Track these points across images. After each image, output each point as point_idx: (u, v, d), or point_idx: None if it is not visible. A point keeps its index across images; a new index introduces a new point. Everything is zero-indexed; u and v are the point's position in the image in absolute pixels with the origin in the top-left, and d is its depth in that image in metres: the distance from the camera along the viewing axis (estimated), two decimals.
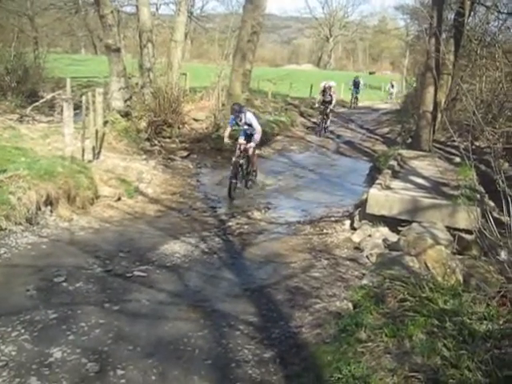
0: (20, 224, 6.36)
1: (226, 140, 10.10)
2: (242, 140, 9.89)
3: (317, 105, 18.70)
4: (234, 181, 9.65)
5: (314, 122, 19.93)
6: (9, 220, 6.21)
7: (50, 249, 6.09)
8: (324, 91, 17.95)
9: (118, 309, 4.74)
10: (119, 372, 3.80)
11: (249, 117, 9.73)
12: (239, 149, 9.76)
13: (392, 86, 34.72)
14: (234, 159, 9.72)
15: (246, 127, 9.82)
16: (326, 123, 18.61)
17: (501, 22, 14.13)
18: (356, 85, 27.85)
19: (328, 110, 18.35)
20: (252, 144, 9.82)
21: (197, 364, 4.01)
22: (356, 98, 28.42)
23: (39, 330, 4.20)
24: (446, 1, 14.53)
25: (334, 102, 18.26)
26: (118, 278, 5.48)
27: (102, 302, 4.84)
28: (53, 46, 24.35)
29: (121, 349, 4.08)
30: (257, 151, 14.95)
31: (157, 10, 32.16)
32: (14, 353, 3.85)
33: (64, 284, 5.14)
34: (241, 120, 9.70)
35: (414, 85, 23.05)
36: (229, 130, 10.10)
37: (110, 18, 13.71)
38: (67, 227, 6.96)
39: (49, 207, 7.08)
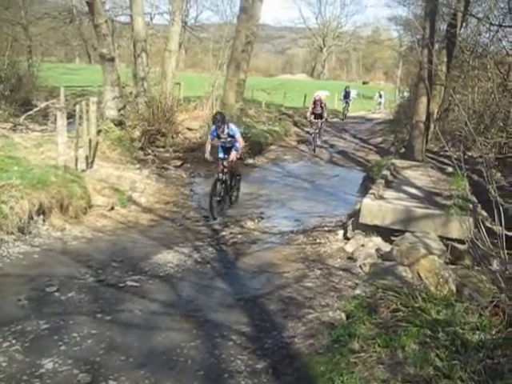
0: (12, 233, 6.33)
1: (207, 156, 9.24)
2: (221, 155, 9.28)
3: (308, 117, 17.54)
4: (216, 198, 8.93)
5: (308, 132, 19.97)
6: (0, 229, 6.18)
7: (42, 258, 6.05)
8: (314, 103, 17.02)
9: (110, 319, 4.72)
10: (111, 383, 3.77)
11: (232, 127, 9.15)
12: (222, 165, 9.14)
13: (380, 96, 35.01)
14: (216, 176, 9.11)
15: (227, 139, 9.12)
16: (317, 139, 17.72)
17: (492, 33, 14.24)
18: (347, 95, 27.45)
19: (320, 124, 17.56)
20: (234, 153, 9.11)
21: (189, 375, 3.99)
22: (346, 108, 27.94)
23: (30, 340, 4.17)
24: (438, 12, 14.67)
25: (325, 114, 17.24)
26: (111, 287, 5.46)
27: (94, 312, 4.81)
28: (47, 55, 24.35)
29: (113, 359, 4.05)
30: (250, 161, 15.07)
31: (151, 19, 32.17)
32: (4, 364, 3.81)
33: (56, 294, 5.11)
34: (223, 131, 8.98)
35: (405, 93, 23.35)
36: (209, 144, 9.33)
37: (105, 28, 13.74)
38: (60, 237, 6.93)
39: (41, 216, 7.05)
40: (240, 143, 9.28)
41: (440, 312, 4.52)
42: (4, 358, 3.87)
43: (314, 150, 17.12)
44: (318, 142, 17.82)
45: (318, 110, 16.83)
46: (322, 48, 73.05)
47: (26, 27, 21.80)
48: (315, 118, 17.05)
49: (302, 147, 18.14)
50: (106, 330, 4.47)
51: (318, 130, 17.53)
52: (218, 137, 9.11)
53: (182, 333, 4.62)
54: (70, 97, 16.57)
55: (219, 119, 8.92)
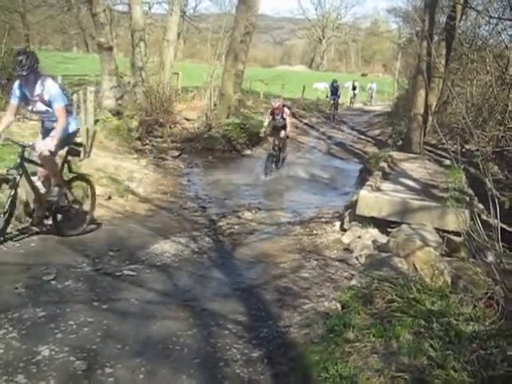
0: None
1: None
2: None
3: (263, 131, 12.50)
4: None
5: (307, 124, 19.96)
6: None
7: (39, 247, 6.06)
8: (273, 113, 12.02)
9: (106, 307, 4.73)
10: (107, 370, 3.79)
11: None
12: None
13: (370, 88, 34.52)
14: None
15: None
16: (275, 164, 12.27)
17: (492, 26, 14.23)
18: (334, 90, 24.24)
19: (278, 142, 12.19)
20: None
21: (185, 363, 4.02)
22: (335, 106, 24.46)
23: (27, 327, 4.18)
24: (437, 4, 14.64)
25: (288, 128, 12.09)
26: (108, 276, 5.47)
27: (90, 301, 4.82)
28: (44, 44, 24.30)
29: (109, 347, 4.07)
30: (248, 151, 15.08)
31: (149, 8, 32.20)
32: (1, 351, 3.82)
33: (53, 282, 5.12)
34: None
35: (395, 87, 23.44)
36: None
37: (103, 17, 13.70)
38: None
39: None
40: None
41: (435, 303, 4.55)
42: (1, 345, 3.88)
43: (266, 174, 11.84)
44: (278, 168, 12.39)
45: (279, 122, 12.02)
46: (321, 39, 72.83)
47: (24, 15, 21.74)
48: (273, 134, 12.24)
49: (300, 138, 18.14)
50: (103, 319, 4.49)
51: (276, 151, 12.26)
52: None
53: (179, 322, 4.64)
54: (68, 86, 16.47)
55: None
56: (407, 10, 25.51)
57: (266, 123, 12.31)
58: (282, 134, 11.99)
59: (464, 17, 15.66)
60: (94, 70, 16.82)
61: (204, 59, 20.59)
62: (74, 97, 9.90)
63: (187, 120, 15.60)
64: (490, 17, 12.73)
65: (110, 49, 14.11)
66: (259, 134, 13.27)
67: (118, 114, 13.29)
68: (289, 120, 12.19)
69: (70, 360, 3.83)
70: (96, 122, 11.35)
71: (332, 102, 24.13)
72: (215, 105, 16.87)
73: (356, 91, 31.06)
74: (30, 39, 20.59)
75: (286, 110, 12.14)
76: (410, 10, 22.81)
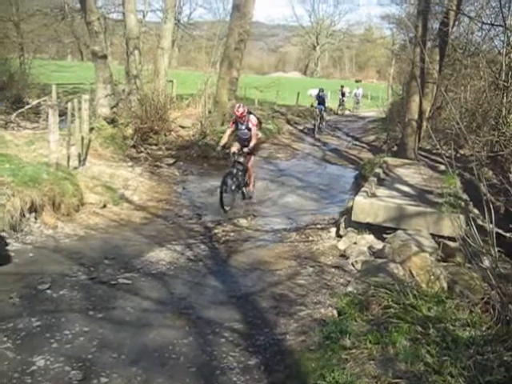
0: (3, 231, 6.31)
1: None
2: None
3: (219, 147, 9.69)
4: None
5: (301, 130, 19.99)
6: None
7: (34, 256, 6.04)
8: (236, 122, 9.56)
9: (102, 316, 4.71)
10: (103, 380, 3.77)
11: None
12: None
13: (355, 94, 33.28)
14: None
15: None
16: (237, 188, 9.57)
17: (484, 32, 14.35)
18: (321, 100, 20.99)
19: (239, 166, 9.54)
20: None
21: (181, 371, 4.00)
22: (321, 117, 21.36)
23: (22, 337, 4.16)
24: (430, 11, 14.71)
25: (252, 141, 9.34)
26: (103, 285, 5.45)
27: (86, 310, 4.81)
28: (39, 52, 24.21)
29: (105, 356, 4.06)
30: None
31: (144, 17, 32.16)
32: None
33: (48, 291, 5.10)
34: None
35: (389, 93, 23.36)
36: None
37: (97, 25, 13.71)
38: (52, 234, 6.91)
39: (33, 214, 7.02)
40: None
41: (431, 309, 4.56)
42: None
43: (225, 210, 9.00)
44: (239, 197, 9.84)
45: (244, 134, 9.54)
46: (315, 46, 73.15)
47: (18, 24, 21.64)
48: (237, 152, 9.51)
49: (296, 145, 18.17)
50: (98, 328, 4.47)
51: (238, 170, 9.52)
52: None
53: (175, 330, 4.63)
54: (62, 94, 16.56)
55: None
56: (400, 17, 25.60)
57: (225, 135, 9.63)
58: (245, 150, 9.38)
59: (457, 23, 15.75)
60: (88, 79, 16.81)
61: (198, 67, 20.67)
62: (69, 105, 9.89)
63: (182, 127, 15.59)
64: (483, 23, 12.84)
65: (105, 57, 14.13)
66: (216, 150, 10.61)
67: (112, 121, 13.28)
68: (254, 131, 9.44)
69: (65, 370, 3.82)
70: (91, 130, 11.34)
71: (318, 112, 21.04)
72: (210, 112, 16.87)
73: (345, 98, 29.87)
74: (25, 48, 20.50)
75: (252, 117, 9.52)
76: (403, 17, 22.91)
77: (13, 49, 19.25)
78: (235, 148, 9.60)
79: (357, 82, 56.86)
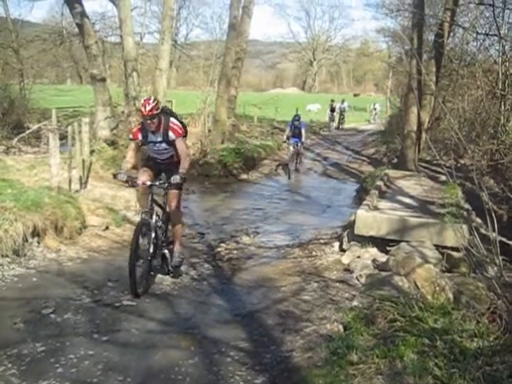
0: (7, 256, 6.30)
1: None
2: None
3: (122, 174, 5.93)
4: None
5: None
6: None
7: (38, 280, 6.02)
8: (143, 128, 6.05)
9: (107, 339, 4.69)
10: None
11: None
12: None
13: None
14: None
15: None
16: (154, 251, 5.94)
17: (479, 42, 14.44)
18: (297, 130, 15.88)
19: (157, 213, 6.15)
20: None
21: None
22: (297, 155, 16.27)
23: (27, 363, 4.13)
24: (425, 23, 14.84)
25: (184, 165, 5.91)
26: (107, 307, 5.43)
27: (90, 333, 4.78)
28: (38, 77, 24.43)
29: (110, 380, 4.02)
30: (244, 176, 15.07)
31: (141, 39, 32.45)
32: None
33: (52, 316, 5.08)
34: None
35: (388, 106, 23.39)
36: None
37: (95, 49, 13.86)
38: (55, 258, 6.90)
39: (36, 238, 7.02)
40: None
41: (437, 320, 4.52)
42: (0, 383, 3.84)
43: (137, 294, 5.72)
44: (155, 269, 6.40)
45: (161, 151, 6.18)
46: (312, 62, 73.73)
47: (17, 50, 21.87)
48: (147, 175, 6.10)
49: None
50: (103, 351, 4.44)
51: (160, 219, 6.26)
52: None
53: (180, 350, 4.59)
54: (62, 118, 16.66)
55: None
56: (396, 30, 25.76)
57: (129, 154, 6.20)
58: (173, 180, 5.73)
59: (452, 34, 15.85)
60: (88, 102, 16.94)
61: (197, 86, 20.75)
62: (69, 128, 9.94)
63: None
64: (478, 33, 12.93)
65: (103, 80, 14.24)
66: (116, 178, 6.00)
67: (113, 143, 13.35)
68: (181, 145, 5.98)
69: None
70: (91, 152, 11.39)
71: (292, 148, 15.72)
72: (210, 131, 16.96)
73: (335, 113, 29.42)
74: (24, 74, 20.69)
75: (173, 122, 6.01)
76: (398, 30, 23.06)
77: (13, 75, 19.44)
78: (145, 177, 6.01)
79: (355, 95, 57.26)
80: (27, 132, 12.90)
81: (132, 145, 6.20)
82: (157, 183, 5.97)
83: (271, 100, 24.67)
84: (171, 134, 5.98)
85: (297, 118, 16.05)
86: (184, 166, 5.94)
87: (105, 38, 25.16)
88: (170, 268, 6.34)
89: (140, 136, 6.08)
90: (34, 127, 13.16)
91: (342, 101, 31.73)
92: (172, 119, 6.07)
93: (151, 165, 6.31)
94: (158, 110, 5.82)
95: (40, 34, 25.91)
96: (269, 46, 78.54)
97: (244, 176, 14.99)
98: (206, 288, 6.36)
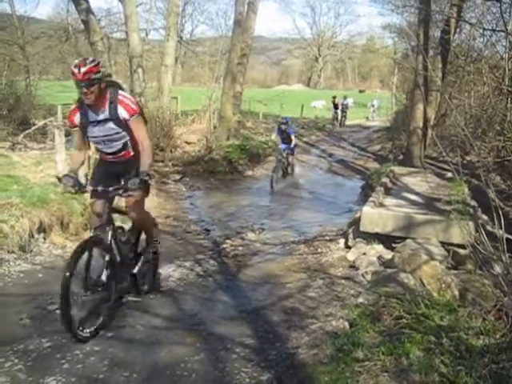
0: (13, 252, 6.32)
1: None
2: None
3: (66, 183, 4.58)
4: None
5: (307, 142, 19.89)
6: (1, 248, 6.18)
7: (44, 276, 6.04)
8: (82, 108, 4.68)
9: (112, 335, 4.69)
10: None
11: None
12: None
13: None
14: None
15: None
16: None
17: (486, 38, 14.37)
18: (285, 135, 13.77)
19: (108, 234, 4.76)
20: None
21: None
22: (286, 165, 13.99)
23: (33, 359, 4.14)
24: (431, 19, 14.77)
25: (144, 161, 4.58)
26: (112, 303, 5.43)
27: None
28: (44, 74, 24.50)
29: (116, 376, 4.03)
30: (249, 172, 15.06)
31: (146, 35, 32.51)
32: None
33: (58, 312, 5.08)
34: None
35: (393, 102, 23.22)
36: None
37: (100, 45, 13.89)
38: (61, 254, 6.90)
39: (42, 234, 7.04)
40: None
41: (443, 318, 4.51)
42: (6, 378, 3.85)
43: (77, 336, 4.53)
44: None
45: (109, 139, 4.69)
46: (317, 58, 73.53)
47: (23, 47, 21.96)
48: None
49: (301, 157, 18.17)
50: (109, 347, 4.45)
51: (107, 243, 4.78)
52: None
53: (186, 347, 4.59)
54: (68, 114, 16.66)
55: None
56: (402, 26, 25.64)
57: (74, 154, 5.14)
58: (131, 184, 4.45)
59: (458, 30, 15.80)
60: None
61: (202, 82, 20.76)
62: None
63: (188, 143, 15.67)
64: (484, 29, 12.86)
65: (109, 76, 14.23)
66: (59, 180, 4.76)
67: None
68: (136, 126, 4.66)
69: None
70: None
71: (279, 155, 13.76)
72: (215, 127, 16.96)
73: (338, 110, 28.03)
74: (30, 70, 20.76)
75: (123, 95, 4.64)
76: (404, 26, 22.97)
77: (19, 71, 19.51)
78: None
79: (360, 92, 57.09)
80: (33, 128, 12.92)
81: (76, 136, 4.75)
82: (110, 189, 4.57)
83: (276, 96, 24.62)
84: (122, 111, 4.47)
85: (284, 120, 14.24)
86: (145, 161, 4.54)
87: (110, 34, 25.25)
88: (144, 288, 5.49)
89: (77, 118, 4.61)
90: (40, 123, 13.17)
91: (344, 97, 30.43)
92: (122, 92, 4.61)
93: (102, 168, 5.02)
94: (99, 75, 4.35)
95: (46, 30, 26.04)
96: (274, 42, 78.41)
97: (249, 172, 14.99)
98: (211, 284, 6.36)
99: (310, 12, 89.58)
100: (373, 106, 34.96)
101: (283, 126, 13.80)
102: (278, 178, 13.25)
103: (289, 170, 14.28)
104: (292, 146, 13.87)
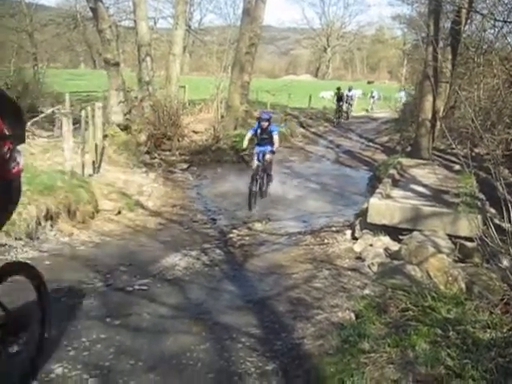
0: (20, 239, 6.35)
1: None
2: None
3: None
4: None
5: (314, 133, 19.78)
6: (9, 235, 6.20)
7: (51, 264, 6.06)
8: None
9: (119, 323, 4.71)
10: None
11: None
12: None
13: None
14: None
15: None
16: None
17: (497, 29, 14.20)
18: (264, 141, 10.46)
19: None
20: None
21: (199, 377, 3.98)
22: (261, 178, 10.49)
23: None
24: (442, 10, 14.61)
25: None
26: (119, 292, 5.45)
27: (102, 317, 4.80)
28: (52, 62, 24.56)
29: (122, 363, 4.04)
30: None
31: (155, 23, 32.42)
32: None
33: (64, 299, 5.11)
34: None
35: (412, 93, 22.90)
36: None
37: (109, 33, 13.84)
38: (68, 242, 6.94)
39: (49, 222, 7.07)
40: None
41: (450, 310, 4.49)
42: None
43: None
44: None
45: None
46: (325, 48, 73.05)
47: (31, 34, 21.97)
48: None
49: (309, 148, 18.13)
50: (115, 335, 4.47)
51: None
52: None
53: (192, 336, 4.60)
54: (76, 102, 16.67)
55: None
56: (412, 17, 25.39)
57: None
58: None
59: (469, 21, 15.61)
60: (101, 86, 16.95)
61: (210, 72, 20.71)
62: (83, 113, 9.96)
63: (195, 133, 15.65)
64: (496, 20, 12.69)
65: (117, 64, 14.22)
66: None
67: (126, 128, 13.37)
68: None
69: (83, 378, 3.81)
70: (105, 137, 11.41)
71: (256, 162, 10.45)
72: (222, 117, 16.93)
73: (342, 103, 25.55)
74: (38, 58, 20.77)
75: None
76: (414, 16, 22.77)
77: (27, 59, 19.52)
78: None
79: (369, 83, 56.76)
80: (41, 116, 12.93)
81: None
82: None
83: (284, 86, 24.50)
84: None
85: (265, 116, 10.60)
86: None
87: (119, 22, 25.19)
88: None
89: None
90: (48, 111, 13.18)
91: (349, 88, 27.85)
92: None
93: None
94: None
95: (54, 17, 26.02)
96: (283, 31, 77.93)
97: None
98: (217, 274, 6.37)
99: (319, 2, 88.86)
100: (373, 97, 34.24)
101: (263, 123, 10.32)
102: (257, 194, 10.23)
103: (264, 187, 10.63)
104: (275, 147, 10.49)
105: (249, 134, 10.67)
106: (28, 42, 21.41)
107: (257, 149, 10.49)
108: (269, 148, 10.40)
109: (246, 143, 10.80)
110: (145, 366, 4.04)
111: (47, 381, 3.73)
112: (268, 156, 10.44)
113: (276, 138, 10.41)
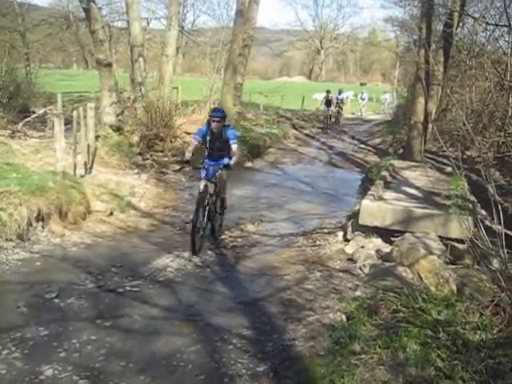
0: (11, 240, 6.32)
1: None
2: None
3: None
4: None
5: (307, 134, 19.82)
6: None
7: (42, 265, 6.04)
8: None
9: (109, 325, 4.70)
10: None
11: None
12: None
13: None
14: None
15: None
16: None
17: (489, 32, 14.28)
18: (212, 135, 7.35)
19: None
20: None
21: (190, 379, 3.98)
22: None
23: (30, 347, 4.15)
24: (434, 12, 14.68)
25: None
26: (110, 293, 5.44)
27: (93, 318, 4.79)
28: (44, 62, 24.43)
29: (113, 365, 4.04)
30: (249, 164, 15.01)
31: (148, 24, 32.38)
32: (3, 371, 3.80)
33: (55, 300, 5.10)
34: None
35: (395, 96, 22.92)
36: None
37: (101, 33, 13.77)
38: (59, 243, 6.91)
39: (40, 223, 7.03)
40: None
41: (441, 312, 4.51)
42: (3, 366, 3.85)
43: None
44: None
45: None
46: (319, 50, 73.14)
47: (24, 34, 21.86)
48: None
49: (301, 149, 18.14)
50: (106, 336, 4.46)
51: None
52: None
53: (183, 337, 4.60)
54: (68, 103, 16.59)
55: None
56: (404, 19, 25.45)
57: None
58: None
59: (461, 24, 15.71)
60: (93, 87, 16.89)
61: (203, 73, 20.70)
62: (75, 113, 9.91)
63: (188, 134, 15.57)
64: (487, 23, 12.77)
65: (110, 65, 14.16)
66: None
67: (118, 129, 13.31)
68: None
69: (73, 379, 3.80)
70: (97, 138, 11.36)
71: (204, 181, 7.34)
72: None
73: (331, 107, 24.08)
74: (31, 58, 20.67)
75: None
76: (406, 19, 22.85)
77: (19, 59, 19.41)
78: None
79: (361, 85, 56.77)
80: (33, 116, 12.86)
81: None
82: None
83: (278, 88, 24.50)
84: None
85: (216, 112, 7.52)
86: None
87: (111, 22, 25.13)
88: None
89: None
90: (40, 111, 13.10)
91: (339, 91, 26.57)
92: None
93: None
94: None
95: (46, 17, 25.93)
96: (276, 33, 77.94)
97: (249, 164, 14.96)
98: (209, 275, 6.37)
99: (312, 4, 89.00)
100: (362, 99, 33.36)
101: (215, 125, 7.32)
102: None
103: (216, 220, 7.86)
104: (232, 160, 7.48)
105: (194, 142, 7.63)
106: (20, 42, 21.31)
107: (206, 162, 7.57)
108: (224, 161, 7.53)
109: (188, 154, 7.49)
110: (136, 367, 4.04)
111: (37, 382, 3.72)
112: (220, 172, 7.53)
113: (234, 147, 7.42)
